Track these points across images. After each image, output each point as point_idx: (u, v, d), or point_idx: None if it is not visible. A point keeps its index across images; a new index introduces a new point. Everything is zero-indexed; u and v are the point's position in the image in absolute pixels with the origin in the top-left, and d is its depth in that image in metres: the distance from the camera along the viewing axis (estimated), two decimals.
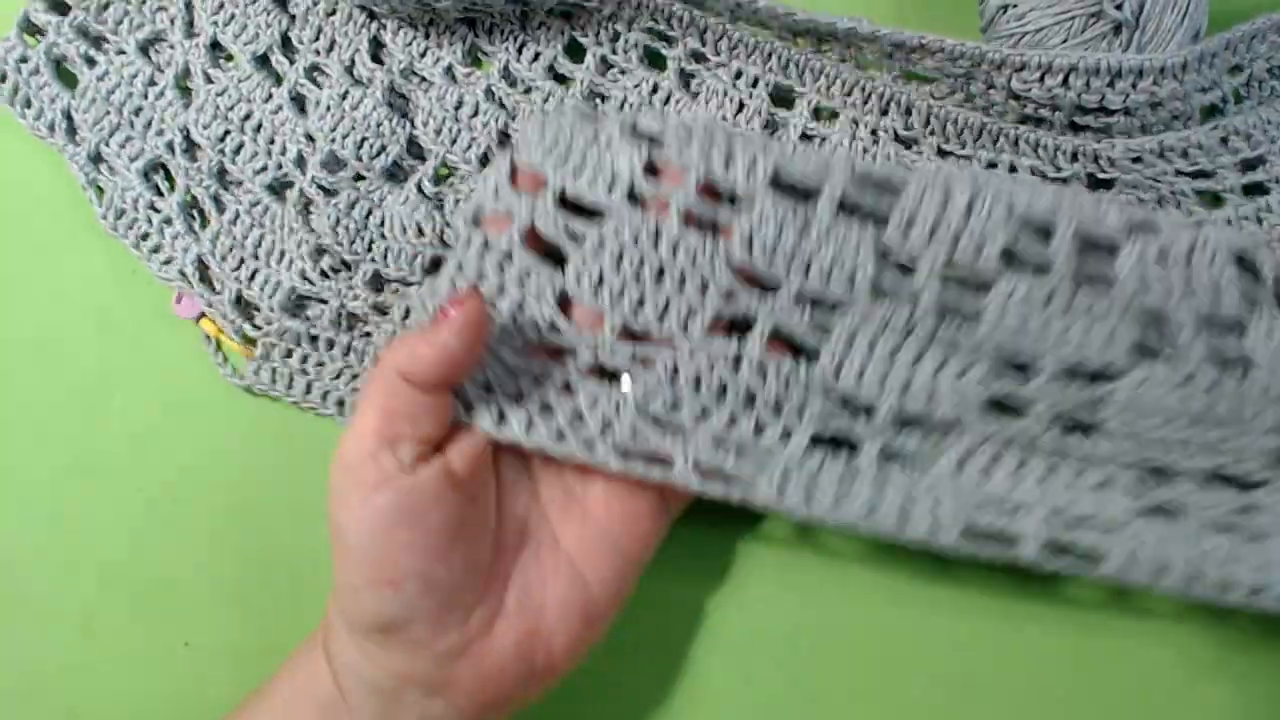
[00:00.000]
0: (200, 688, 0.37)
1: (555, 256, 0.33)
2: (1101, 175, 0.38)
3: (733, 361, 0.33)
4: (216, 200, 0.39)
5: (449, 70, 0.40)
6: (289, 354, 0.39)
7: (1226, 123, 0.37)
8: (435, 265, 0.38)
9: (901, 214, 0.32)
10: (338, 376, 0.39)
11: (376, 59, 0.41)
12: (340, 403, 0.39)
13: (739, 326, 0.33)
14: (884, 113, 0.39)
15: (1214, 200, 0.38)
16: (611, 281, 0.32)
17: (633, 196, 0.32)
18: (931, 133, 0.38)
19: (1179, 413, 0.33)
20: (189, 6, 0.41)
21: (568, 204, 0.32)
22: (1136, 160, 0.37)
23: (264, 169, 0.39)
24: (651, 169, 0.32)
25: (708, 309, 0.33)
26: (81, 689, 0.37)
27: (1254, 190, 0.39)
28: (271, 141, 0.40)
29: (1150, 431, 0.33)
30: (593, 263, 0.32)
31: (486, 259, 0.32)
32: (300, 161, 0.39)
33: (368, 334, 0.39)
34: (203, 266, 0.39)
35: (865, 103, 0.39)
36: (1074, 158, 0.38)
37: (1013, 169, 0.38)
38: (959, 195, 0.31)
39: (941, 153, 0.39)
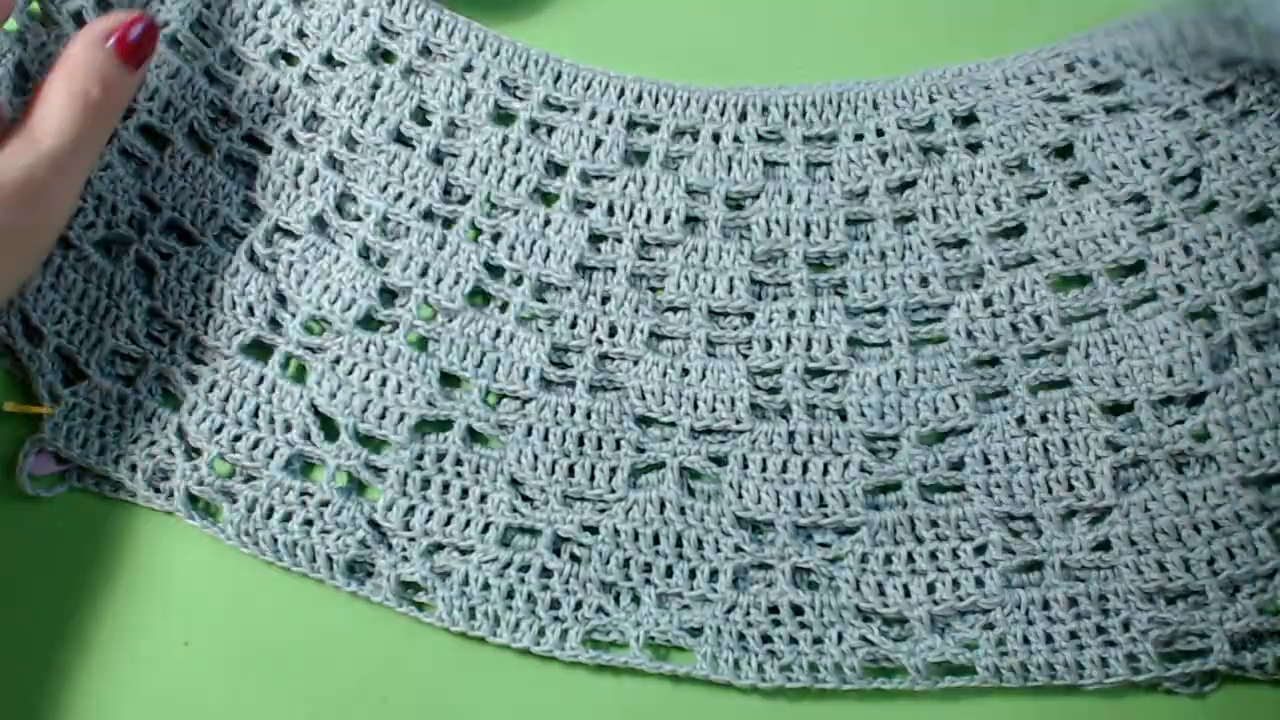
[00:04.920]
0: (200, 687, 0.37)
1: None
2: (960, 109, 0.40)
3: (658, 507, 0.37)
4: None
5: (289, 136, 0.40)
6: (90, 414, 0.38)
7: (1070, 49, 0.39)
8: (257, 344, 0.39)
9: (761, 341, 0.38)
10: (134, 441, 0.38)
11: (217, 124, 0.40)
12: (133, 467, 0.38)
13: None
14: (742, 119, 0.40)
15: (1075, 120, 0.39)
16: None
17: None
18: (793, 123, 0.40)
19: (1026, 451, 0.37)
20: None
21: None
22: (986, 89, 0.39)
23: (92, 225, 0.39)
24: None
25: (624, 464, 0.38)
26: (81, 688, 0.36)
27: (1116, 109, 0.39)
28: (100, 200, 0.39)
29: (1008, 476, 0.37)
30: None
31: None
32: (134, 223, 0.39)
33: (168, 392, 0.39)
34: (24, 318, 0.38)
35: (722, 114, 0.40)
36: (931, 99, 0.39)
37: (879, 133, 0.39)
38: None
39: (806, 139, 0.40)
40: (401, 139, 0.40)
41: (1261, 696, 0.36)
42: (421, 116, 0.40)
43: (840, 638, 0.36)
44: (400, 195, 0.39)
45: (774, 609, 0.36)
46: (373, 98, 0.40)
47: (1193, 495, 0.36)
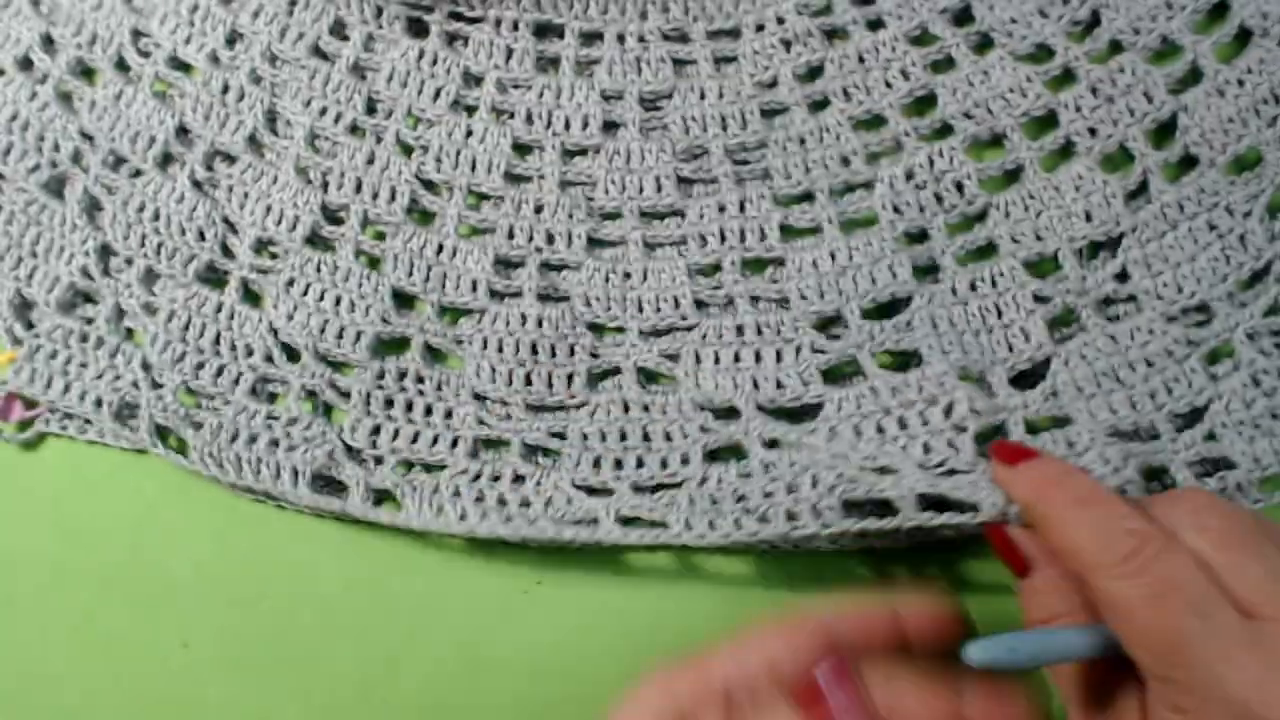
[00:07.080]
0: (200, 688, 0.37)
1: None
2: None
3: (621, 407, 0.37)
4: None
5: (213, 55, 0.41)
6: (54, 355, 0.39)
7: None
8: (211, 269, 0.39)
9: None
10: (99, 377, 0.39)
11: (141, 50, 0.42)
12: (98, 401, 0.38)
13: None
14: (643, 17, 0.40)
15: None
16: None
17: None
18: (695, 19, 0.40)
19: (964, 319, 0.37)
20: None
21: None
22: None
23: (37, 167, 0.40)
24: None
25: None
26: (81, 689, 0.37)
27: None
28: (42, 139, 0.41)
29: (956, 336, 0.37)
30: None
31: None
32: (77, 159, 0.41)
33: (130, 332, 0.40)
34: None
35: (624, 13, 0.40)
36: None
37: (780, 20, 0.40)
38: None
39: (710, 35, 0.40)
40: (320, 54, 0.41)
41: None
42: (340, 31, 0.41)
43: (815, 481, 0.35)
44: (324, 110, 0.40)
45: (746, 475, 0.36)
46: (290, 13, 0.41)
47: (1121, 337, 0.36)
